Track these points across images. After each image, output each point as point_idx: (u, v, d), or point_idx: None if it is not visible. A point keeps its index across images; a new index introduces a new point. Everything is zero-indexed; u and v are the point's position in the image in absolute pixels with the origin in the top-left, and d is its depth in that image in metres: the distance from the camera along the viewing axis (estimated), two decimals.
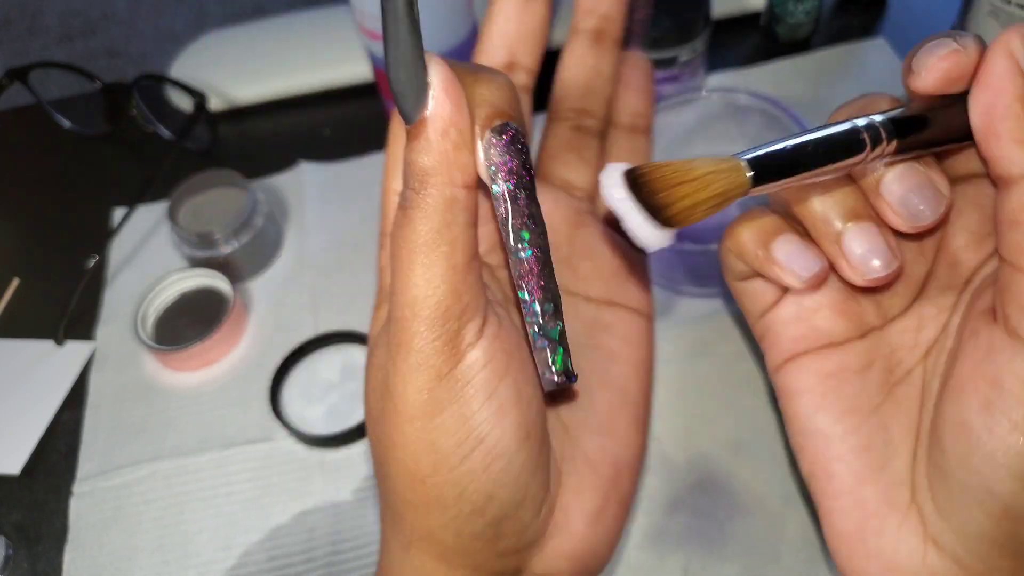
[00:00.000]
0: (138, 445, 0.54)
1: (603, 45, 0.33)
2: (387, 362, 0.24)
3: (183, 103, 0.71)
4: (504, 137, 0.23)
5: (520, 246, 0.23)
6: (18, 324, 0.62)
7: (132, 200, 0.62)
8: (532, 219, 0.24)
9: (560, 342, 0.24)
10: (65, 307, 0.59)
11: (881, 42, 0.70)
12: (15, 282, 0.64)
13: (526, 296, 0.24)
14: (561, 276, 0.28)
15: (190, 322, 0.58)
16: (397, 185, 0.25)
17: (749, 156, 0.24)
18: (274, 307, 0.60)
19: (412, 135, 0.22)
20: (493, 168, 0.23)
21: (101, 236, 0.63)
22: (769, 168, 0.24)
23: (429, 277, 0.22)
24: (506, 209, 0.23)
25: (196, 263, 0.60)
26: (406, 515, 0.26)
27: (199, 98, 0.69)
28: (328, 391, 0.54)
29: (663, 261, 0.55)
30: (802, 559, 0.45)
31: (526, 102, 0.32)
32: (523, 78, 0.31)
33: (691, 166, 0.23)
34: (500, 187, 0.23)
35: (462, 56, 0.56)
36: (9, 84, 0.67)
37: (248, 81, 0.73)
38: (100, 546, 0.50)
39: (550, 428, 0.28)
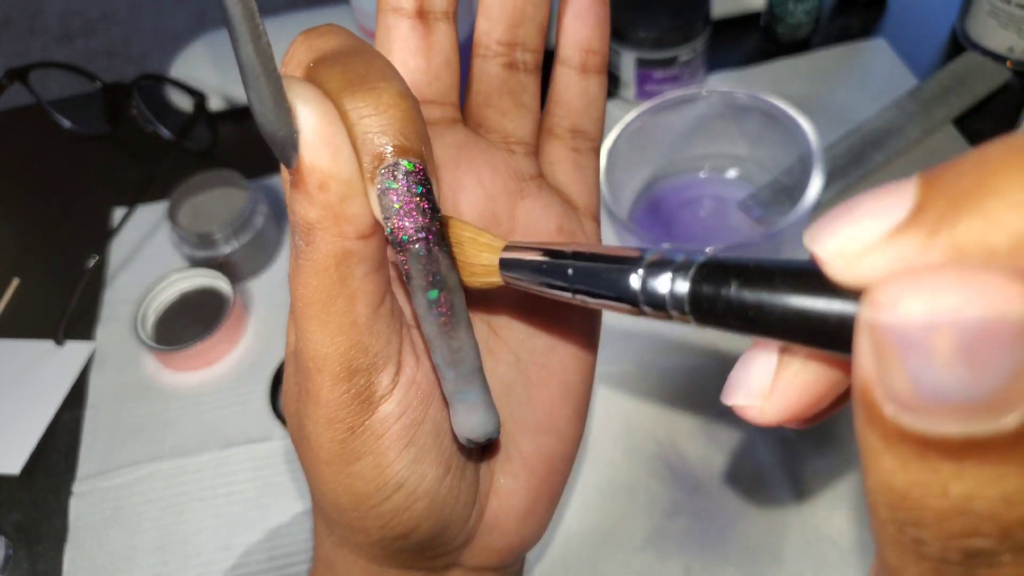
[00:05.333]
0: (138, 445, 0.54)
1: None
2: (298, 401, 0.22)
3: (183, 103, 0.71)
4: (397, 181, 0.19)
5: (426, 308, 0.21)
6: (18, 324, 0.62)
7: (132, 200, 0.62)
8: (439, 276, 0.21)
9: (477, 402, 0.22)
10: (65, 307, 0.59)
11: (881, 42, 0.70)
12: (15, 282, 0.64)
13: (437, 360, 0.22)
14: None
15: (190, 322, 0.58)
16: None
17: (506, 256, 0.22)
18: (274, 307, 0.60)
19: (292, 182, 0.19)
20: (388, 220, 0.20)
21: (101, 236, 0.63)
22: (516, 266, 0.22)
23: (328, 334, 0.20)
24: (407, 265, 0.20)
25: (196, 263, 0.59)
26: (334, 528, 0.25)
27: (199, 98, 0.69)
28: None
29: None
30: (804, 562, 0.45)
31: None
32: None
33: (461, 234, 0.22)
34: (398, 240, 0.20)
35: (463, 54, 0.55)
36: (9, 84, 0.67)
37: None
38: (100, 546, 0.50)
39: None
